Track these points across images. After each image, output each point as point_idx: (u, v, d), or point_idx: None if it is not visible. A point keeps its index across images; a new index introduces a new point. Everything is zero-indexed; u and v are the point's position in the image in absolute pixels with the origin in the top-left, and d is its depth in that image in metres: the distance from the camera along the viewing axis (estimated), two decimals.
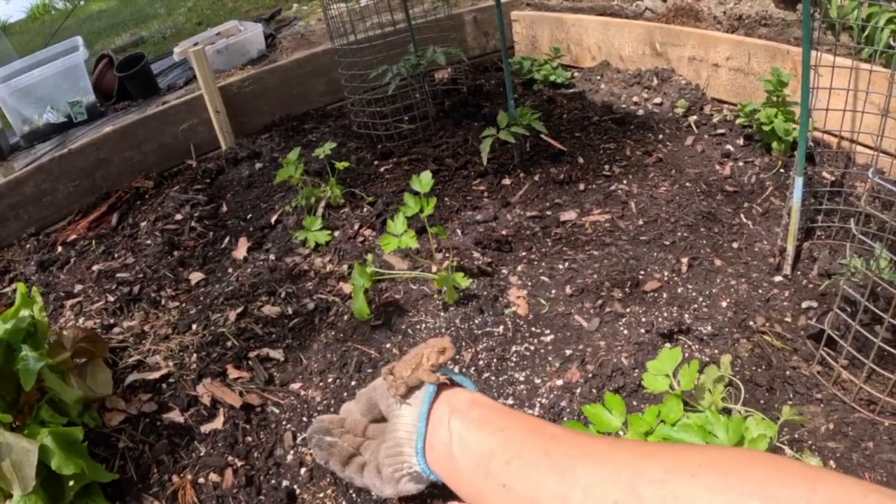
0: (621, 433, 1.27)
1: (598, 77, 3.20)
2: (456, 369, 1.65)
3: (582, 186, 2.28)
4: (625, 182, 2.27)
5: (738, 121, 2.48)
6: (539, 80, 3.22)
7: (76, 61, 5.17)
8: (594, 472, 0.91)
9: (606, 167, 2.36)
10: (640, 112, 2.77)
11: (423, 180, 1.84)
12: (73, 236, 3.02)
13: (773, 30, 3.43)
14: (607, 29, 3.26)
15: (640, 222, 2.07)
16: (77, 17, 10.97)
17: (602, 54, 3.32)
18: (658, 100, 2.84)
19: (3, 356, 1.58)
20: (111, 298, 2.32)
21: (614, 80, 3.12)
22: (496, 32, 3.73)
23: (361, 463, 1.30)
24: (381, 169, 2.68)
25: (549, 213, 2.18)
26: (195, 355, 1.92)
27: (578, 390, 1.54)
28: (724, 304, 1.74)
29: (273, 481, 1.52)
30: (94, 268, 2.59)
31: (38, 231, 3.17)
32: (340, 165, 2.52)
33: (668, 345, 1.61)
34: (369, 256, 1.91)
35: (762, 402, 1.46)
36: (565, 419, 1.47)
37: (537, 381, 1.59)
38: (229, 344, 1.92)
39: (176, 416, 1.74)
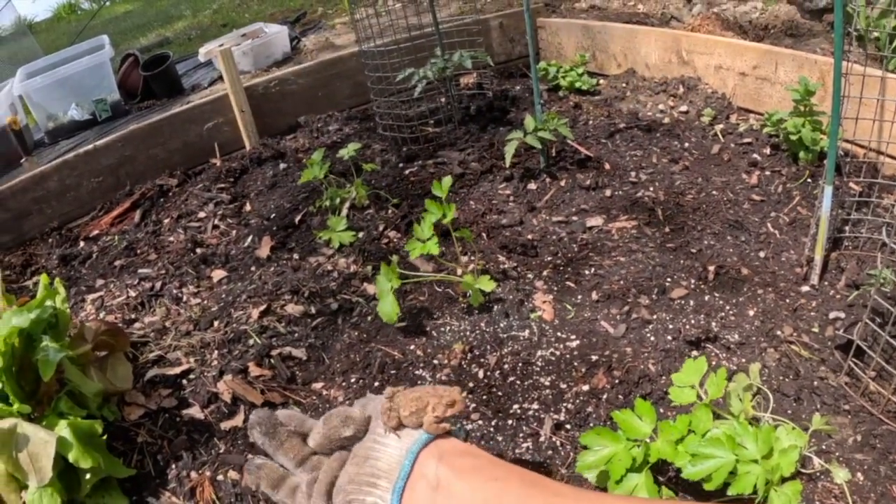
0: (650, 440, 1.26)
1: (624, 84, 3.19)
2: (481, 374, 1.65)
3: (608, 192, 2.27)
4: (651, 189, 2.26)
5: (765, 130, 2.46)
6: (565, 87, 3.21)
7: (102, 59, 5.20)
8: None
9: (633, 174, 2.35)
10: (667, 120, 2.76)
11: (444, 185, 1.84)
12: (96, 232, 3.03)
13: (799, 40, 3.41)
14: (633, 36, 3.24)
15: (667, 229, 2.06)
16: (102, 17, 11.06)
17: (628, 62, 3.31)
18: (684, 108, 2.83)
19: (24, 346, 1.58)
20: (133, 294, 2.33)
21: (640, 88, 3.10)
22: (522, 38, 3.72)
23: (294, 486, 1.16)
24: (406, 171, 2.68)
25: (575, 218, 2.17)
26: (216, 352, 1.92)
27: (605, 396, 1.53)
28: (751, 312, 1.72)
29: None
30: (117, 263, 2.60)
31: (61, 226, 3.19)
32: (367, 167, 2.52)
33: (694, 352, 1.60)
34: (394, 258, 1.91)
35: (789, 411, 1.44)
36: (592, 425, 1.46)
37: (563, 385, 1.58)
38: (251, 342, 1.92)
39: (196, 412, 1.74)
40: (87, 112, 5.20)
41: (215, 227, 2.65)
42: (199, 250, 2.50)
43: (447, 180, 1.84)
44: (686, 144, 2.54)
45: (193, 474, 1.58)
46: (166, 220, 2.84)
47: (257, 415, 1.19)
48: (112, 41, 5.58)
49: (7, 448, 1.43)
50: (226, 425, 1.69)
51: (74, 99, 5.20)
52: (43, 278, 1.77)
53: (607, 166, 2.42)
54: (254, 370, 1.81)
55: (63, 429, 1.47)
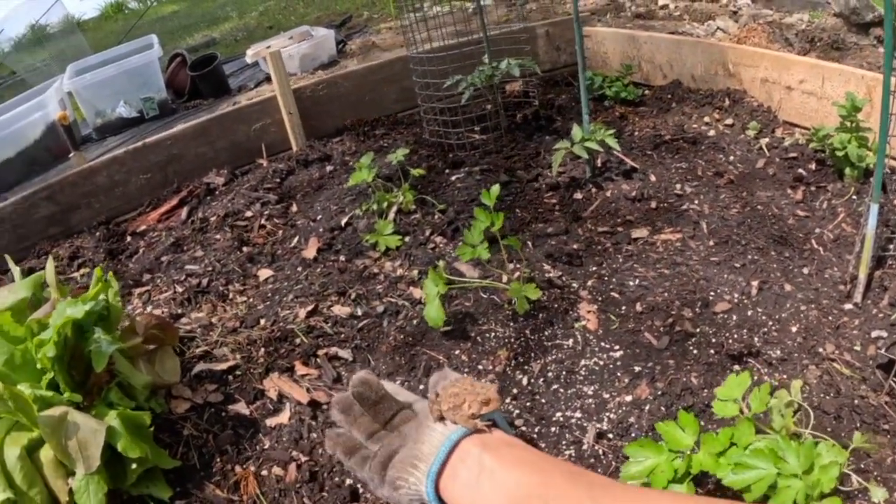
0: (692, 451, 1.27)
1: (670, 96, 3.19)
2: (525, 381, 1.67)
3: (654, 204, 2.28)
4: (696, 202, 2.26)
5: (811, 145, 2.45)
6: (610, 97, 3.22)
7: (150, 58, 5.28)
8: None
9: (678, 186, 2.36)
10: (712, 133, 2.76)
11: (492, 194, 1.87)
12: (143, 227, 3.09)
13: (844, 53, 3.41)
14: (680, 47, 3.25)
15: (711, 243, 2.07)
16: (149, 17, 11.21)
17: (674, 73, 3.31)
18: (729, 121, 2.83)
19: (75, 337, 1.61)
20: (179, 289, 2.37)
21: (686, 100, 3.11)
22: (567, 47, 3.74)
23: (366, 456, 1.24)
24: (453, 178, 2.70)
25: (620, 229, 2.19)
26: (263, 350, 1.95)
27: (647, 407, 1.54)
28: (793, 329, 1.73)
29: (336, 479, 1.54)
30: (163, 259, 2.65)
31: (108, 220, 3.24)
32: (415, 172, 2.55)
33: (736, 367, 1.61)
34: (440, 263, 1.93)
35: (829, 429, 1.44)
36: (634, 435, 1.48)
37: (606, 395, 1.59)
38: (298, 341, 1.96)
39: (241, 408, 1.78)
40: (135, 110, 5.29)
41: (262, 226, 2.69)
42: (245, 249, 2.54)
43: (495, 189, 1.87)
44: (731, 158, 2.54)
45: (238, 468, 1.61)
46: (213, 218, 2.88)
47: (335, 400, 1.31)
48: (159, 40, 5.66)
49: (57, 435, 1.46)
50: (271, 422, 1.72)
51: (122, 96, 5.28)
52: (97, 271, 1.80)
53: (653, 178, 2.43)
54: (300, 369, 1.85)
55: (113, 419, 1.51)
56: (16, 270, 2.06)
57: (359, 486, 1.49)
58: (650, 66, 3.43)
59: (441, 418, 1.17)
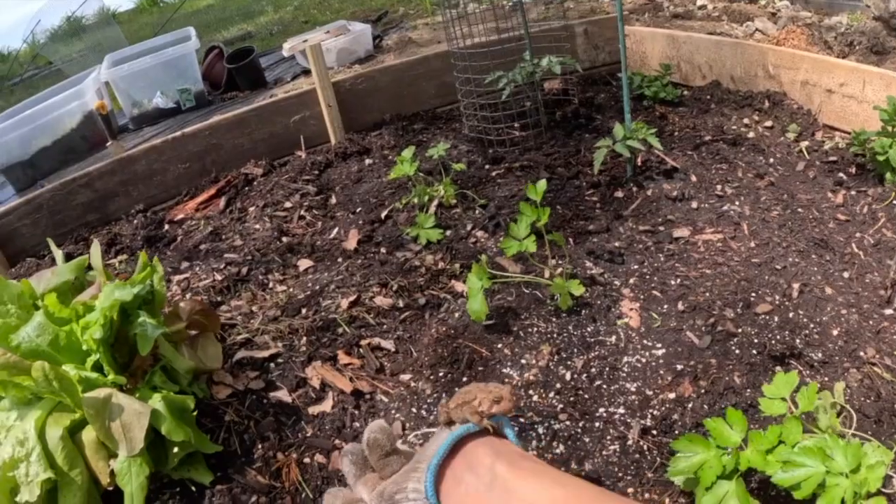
0: (739, 448, 1.28)
1: (709, 97, 3.18)
2: (568, 376, 1.68)
3: (695, 204, 2.28)
4: (737, 203, 2.26)
5: (851, 149, 2.45)
6: (649, 96, 3.21)
7: (188, 50, 5.33)
8: None
9: (719, 187, 2.36)
10: (751, 134, 2.75)
11: (539, 188, 1.88)
12: (181, 216, 3.11)
13: (884, 57, 3.39)
14: (720, 48, 3.24)
15: (752, 244, 2.07)
16: (185, 10, 11.29)
17: (713, 74, 3.31)
18: (769, 123, 2.82)
19: (120, 320, 1.63)
20: (219, 277, 2.39)
21: (725, 101, 3.10)
22: (606, 46, 3.73)
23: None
24: (493, 173, 2.71)
25: (661, 228, 2.19)
26: (305, 338, 1.97)
27: (690, 405, 1.55)
28: (834, 332, 1.73)
29: None
30: (202, 247, 2.67)
31: (146, 208, 3.28)
32: (457, 167, 2.57)
33: (778, 368, 1.61)
34: (483, 257, 1.94)
35: (869, 432, 1.44)
36: (677, 432, 1.49)
37: (649, 392, 1.60)
38: (340, 330, 1.97)
39: (283, 395, 1.79)
40: (172, 100, 5.34)
41: (301, 217, 2.71)
42: (284, 239, 2.56)
43: (542, 184, 1.88)
44: (771, 160, 2.53)
45: (280, 455, 1.62)
46: (251, 208, 2.90)
47: (347, 449, 1.26)
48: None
49: (101, 416, 1.47)
50: (314, 410, 1.73)
51: (159, 87, 5.34)
52: (142, 256, 1.83)
53: (693, 178, 2.43)
54: (343, 358, 1.87)
55: (157, 401, 1.52)
56: (58, 254, 2.09)
57: None
58: (689, 66, 3.43)
59: (449, 422, 1.15)
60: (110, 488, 1.50)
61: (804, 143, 2.61)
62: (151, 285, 1.71)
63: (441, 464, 1.07)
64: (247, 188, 3.19)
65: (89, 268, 1.94)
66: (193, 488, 1.58)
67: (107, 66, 5.62)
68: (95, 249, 1.95)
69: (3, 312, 1.65)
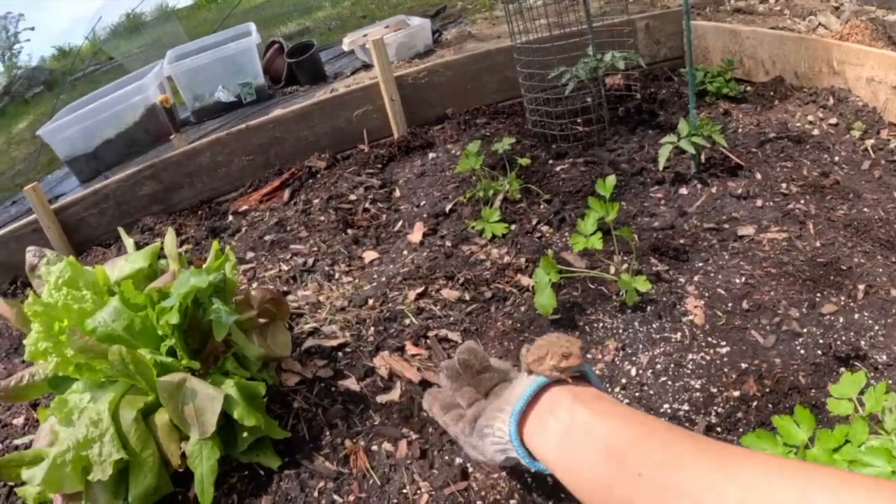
0: (806, 447, 1.29)
1: (772, 93, 3.16)
2: (633, 372, 1.70)
3: (759, 203, 2.27)
4: (802, 202, 2.25)
5: None
6: (712, 92, 3.20)
7: (249, 45, 5.42)
8: (758, 471, 0.84)
9: (783, 185, 2.35)
10: (816, 132, 2.73)
11: (608, 184, 1.89)
12: (245, 207, 3.17)
13: None
14: (783, 44, 3.21)
15: (817, 244, 2.06)
16: (243, 6, 11.43)
17: (776, 69, 3.28)
18: (833, 120, 2.79)
19: (193, 307, 1.68)
20: (285, 268, 2.45)
21: (789, 97, 3.07)
22: (668, 41, 3.72)
23: (461, 415, 1.30)
24: (557, 168, 2.72)
25: (726, 226, 2.19)
26: (372, 328, 2.01)
27: (755, 403, 1.55)
28: None
29: (447, 457, 1.56)
30: (267, 238, 2.72)
31: (210, 199, 3.34)
32: (522, 161, 2.58)
33: (842, 369, 1.61)
34: (548, 252, 1.96)
35: None
36: (741, 430, 1.49)
37: (713, 390, 1.61)
38: (407, 321, 2.01)
39: (351, 383, 1.82)
40: (233, 94, 5.44)
41: (365, 209, 2.75)
42: (350, 231, 2.60)
43: (611, 179, 1.89)
44: (836, 158, 2.51)
45: (348, 442, 1.66)
46: (316, 201, 2.95)
47: (444, 365, 1.37)
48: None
49: (174, 400, 1.53)
50: (382, 399, 1.77)
51: (221, 81, 5.43)
52: (214, 245, 1.89)
53: (758, 176, 2.42)
54: (410, 349, 1.91)
55: (230, 387, 1.57)
56: (129, 242, 2.15)
57: (468, 466, 1.53)
58: (752, 61, 3.40)
59: (529, 371, 1.21)
60: (180, 470, 1.55)
61: (869, 142, 2.58)
62: (224, 274, 1.75)
63: (524, 409, 1.14)
64: (310, 181, 3.24)
65: (160, 256, 1.99)
66: (262, 472, 1.63)
67: (169, 61, 5.75)
68: (170, 237, 2.01)
69: (78, 298, 1.70)
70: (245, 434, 1.59)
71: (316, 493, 1.56)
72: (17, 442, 2.08)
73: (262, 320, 1.88)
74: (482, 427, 1.20)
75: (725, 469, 0.87)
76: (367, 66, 5.29)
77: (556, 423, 1.09)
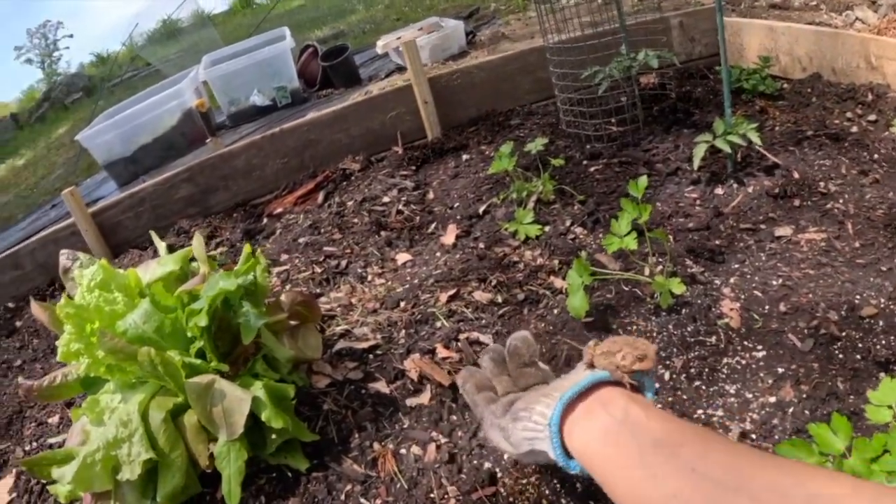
0: (843, 457, 1.26)
1: (809, 89, 3.11)
2: (667, 376, 1.68)
3: (797, 202, 2.23)
4: (841, 201, 2.21)
5: None
6: (748, 90, 3.15)
7: (283, 49, 5.46)
8: (825, 478, 0.80)
9: (822, 184, 2.31)
10: (855, 129, 2.68)
11: (640, 185, 1.88)
12: (279, 209, 3.19)
13: None
14: (819, 39, 3.16)
15: (857, 245, 2.02)
16: (277, 11, 11.55)
17: (813, 66, 3.23)
18: (872, 117, 2.74)
19: (223, 309, 1.70)
20: (318, 270, 2.46)
21: (826, 94, 3.02)
22: (702, 38, 3.68)
23: (493, 398, 1.26)
24: (591, 169, 2.71)
25: (763, 226, 2.16)
26: (404, 331, 2.02)
27: (791, 410, 1.53)
28: None
29: (475, 461, 1.56)
30: (301, 240, 2.74)
31: (245, 202, 3.37)
32: (555, 162, 2.57)
33: (882, 374, 1.58)
34: (582, 254, 1.95)
35: None
36: (777, 437, 1.47)
37: (748, 395, 1.59)
38: (439, 324, 2.01)
39: (381, 386, 1.83)
40: (268, 98, 5.47)
41: (399, 211, 2.75)
42: (383, 233, 2.61)
43: (643, 180, 1.88)
44: (875, 156, 2.46)
45: (376, 445, 1.66)
46: (349, 203, 2.96)
47: (492, 348, 1.38)
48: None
49: (203, 401, 1.54)
50: (411, 402, 1.77)
51: (256, 85, 5.48)
52: (246, 247, 1.91)
53: (795, 175, 2.38)
54: (441, 352, 1.90)
55: (258, 389, 1.58)
56: (161, 245, 2.18)
57: (497, 470, 1.52)
58: (788, 58, 3.35)
59: (591, 365, 1.14)
60: (208, 470, 1.57)
61: None
62: (254, 276, 1.76)
63: (575, 398, 1.08)
64: (344, 183, 3.25)
65: (192, 259, 2.01)
66: (289, 474, 1.64)
67: (204, 66, 5.80)
68: (198, 241, 2.03)
69: (110, 300, 1.73)
70: (273, 436, 1.60)
71: (343, 497, 1.57)
72: (52, 441, 2.13)
73: (292, 322, 1.90)
74: (518, 410, 1.16)
75: (791, 474, 0.82)
76: (401, 69, 5.29)
77: (607, 416, 1.03)
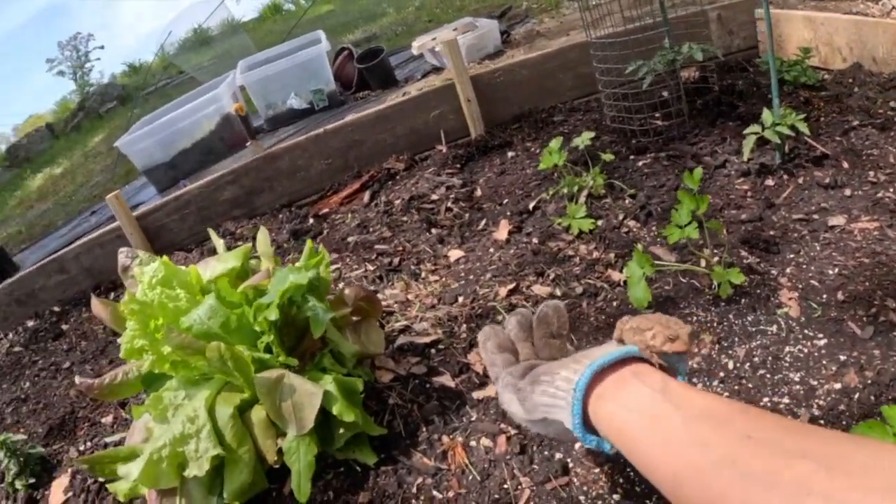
0: None
1: (851, 80, 3.10)
2: (731, 365, 1.70)
3: (848, 192, 2.24)
4: (891, 190, 2.21)
5: None
6: (789, 81, 3.15)
7: (319, 52, 5.51)
8: (887, 447, 0.72)
9: (871, 174, 2.31)
10: None
11: (695, 177, 1.90)
12: (325, 210, 3.23)
13: None
14: (860, 29, 3.15)
15: None
16: (308, 16, 11.64)
17: (854, 56, 3.22)
18: None
19: (288, 304, 1.72)
20: (371, 267, 2.49)
21: (868, 84, 3.01)
22: (741, 30, 3.68)
23: (513, 360, 1.25)
24: (639, 163, 2.73)
25: (815, 216, 2.16)
26: (465, 325, 2.04)
27: (857, 396, 1.54)
28: None
29: (546, 452, 1.57)
30: (350, 239, 2.77)
31: (290, 203, 3.41)
32: (605, 156, 2.59)
33: None
34: (638, 246, 1.97)
35: None
36: (845, 423, 1.48)
37: (813, 382, 1.60)
38: (500, 318, 2.03)
39: (446, 380, 1.85)
40: (305, 101, 5.53)
41: (448, 209, 2.78)
42: (433, 231, 2.64)
43: (698, 172, 1.90)
44: None
45: (445, 438, 1.68)
46: (397, 202, 2.99)
47: (520, 311, 1.37)
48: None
49: (272, 396, 1.56)
50: (478, 395, 1.79)
51: (292, 89, 5.53)
52: (308, 244, 1.93)
53: (845, 165, 2.38)
54: None
55: (329, 383, 1.60)
56: (219, 243, 2.20)
57: (569, 461, 1.53)
58: (828, 48, 3.35)
59: (620, 340, 1.10)
60: (276, 466, 1.59)
61: None
62: (318, 272, 1.78)
63: (606, 367, 1.02)
64: (390, 182, 3.28)
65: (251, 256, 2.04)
66: (358, 468, 1.66)
67: (241, 71, 5.87)
68: (263, 236, 2.06)
69: (173, 297, 1.76)
70: (342, 430, 1.62)
71: (414, 489, 1.58)
72: (108, 440, 2.15)
73: (355, 318, 1.92)
74: (540, 374, 1.10)
75: (850, 439, 0.76)
76: (436, 70, 5.32)
77: (644, 386, 0.96)
